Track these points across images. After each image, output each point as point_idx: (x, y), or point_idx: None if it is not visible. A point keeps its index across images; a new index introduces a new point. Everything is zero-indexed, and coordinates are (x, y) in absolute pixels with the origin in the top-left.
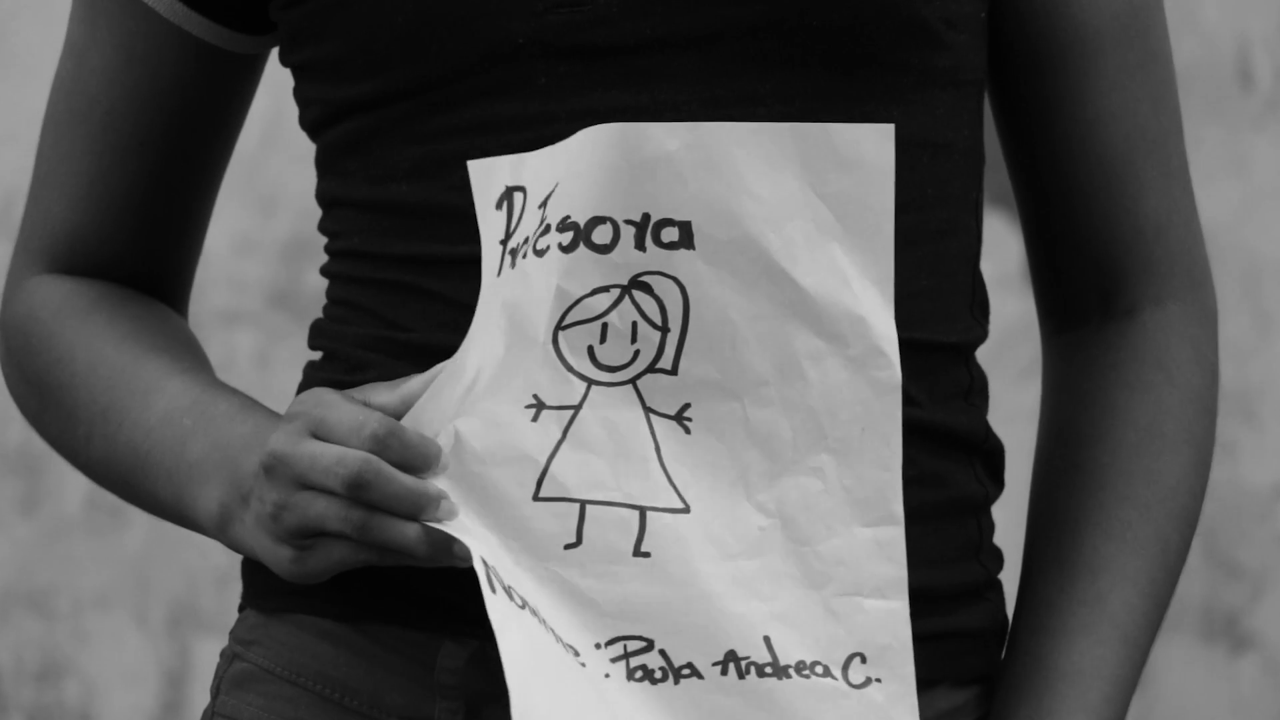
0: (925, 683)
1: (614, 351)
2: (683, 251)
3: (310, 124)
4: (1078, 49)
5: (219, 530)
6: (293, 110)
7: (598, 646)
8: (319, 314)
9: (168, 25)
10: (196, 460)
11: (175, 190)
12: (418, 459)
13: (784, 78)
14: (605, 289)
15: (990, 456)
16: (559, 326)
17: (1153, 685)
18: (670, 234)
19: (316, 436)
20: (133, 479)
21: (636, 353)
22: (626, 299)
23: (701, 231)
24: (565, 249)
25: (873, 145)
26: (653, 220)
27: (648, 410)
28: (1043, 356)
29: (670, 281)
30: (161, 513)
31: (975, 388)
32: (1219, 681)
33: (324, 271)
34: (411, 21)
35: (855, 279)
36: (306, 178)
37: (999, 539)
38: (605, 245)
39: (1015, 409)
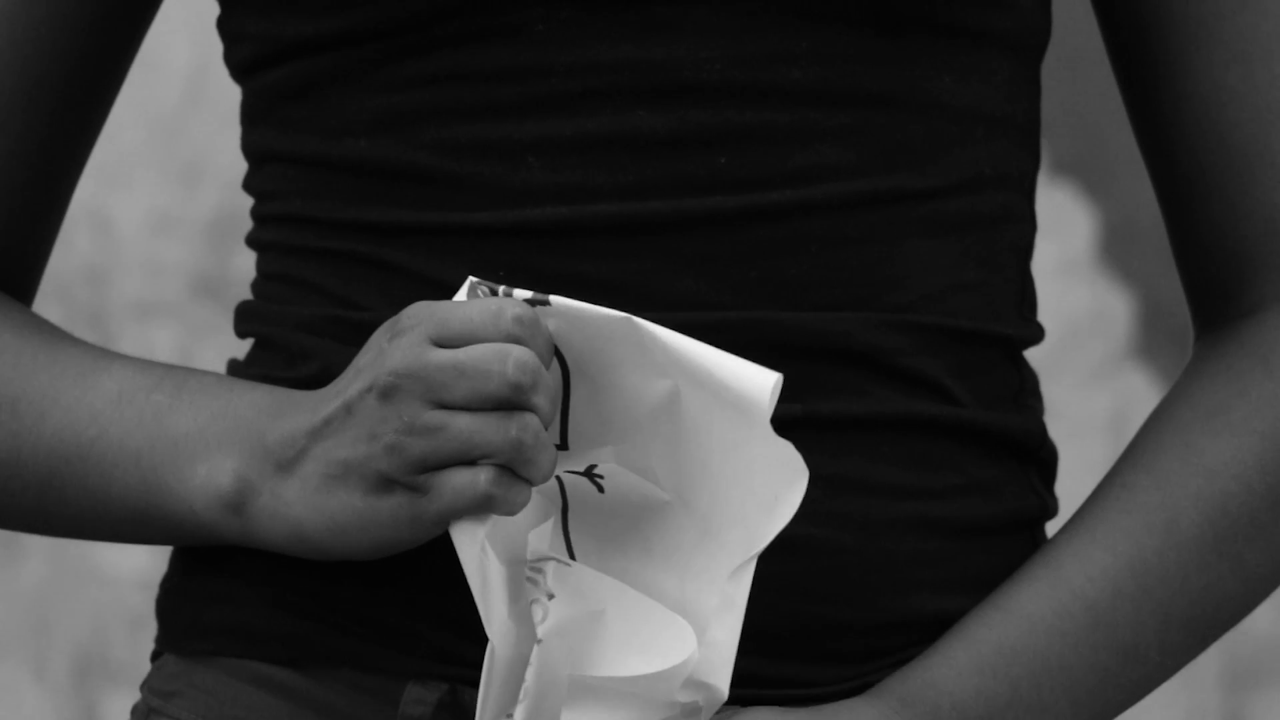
0: None
1: None
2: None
3: (240, 63)
4: (1181, 13)
5: (229, 509)
6: (221, 64)
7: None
8: None
9: None
10: (189, 433)
11: (52, 160)
12: (548, 353)
13: (823, 36)
14: None
15: (1047, 465)
16: None
17: None
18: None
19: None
20: (59, 476)
21: None
22: None
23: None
24: None
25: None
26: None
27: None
28: None
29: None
30: (104, 510)
31: (1026, 388)
32: None
33: (252, 241)
34: None
35: None
36: (237, 144)
37: None
38: None
39: (1084, 419)
